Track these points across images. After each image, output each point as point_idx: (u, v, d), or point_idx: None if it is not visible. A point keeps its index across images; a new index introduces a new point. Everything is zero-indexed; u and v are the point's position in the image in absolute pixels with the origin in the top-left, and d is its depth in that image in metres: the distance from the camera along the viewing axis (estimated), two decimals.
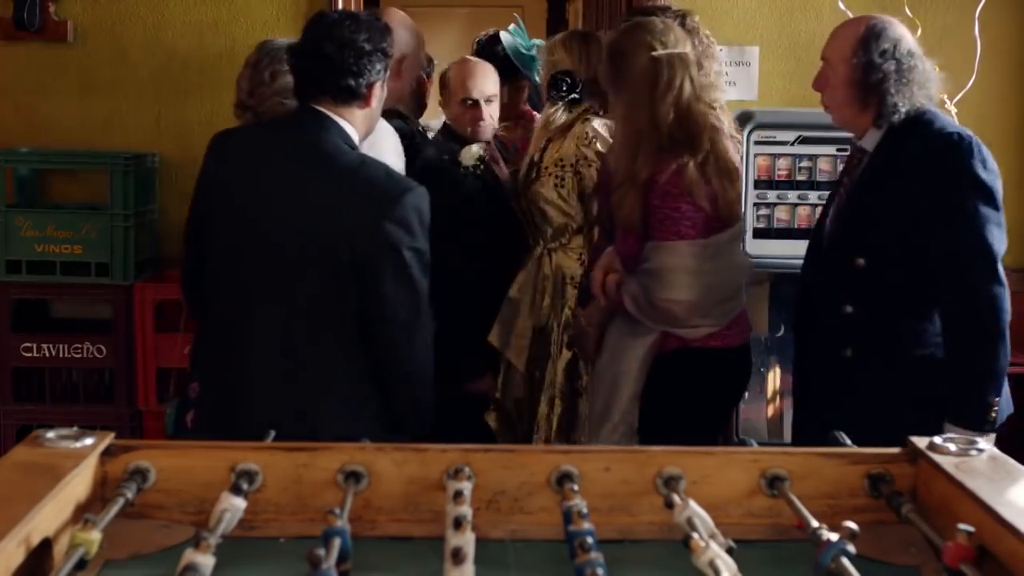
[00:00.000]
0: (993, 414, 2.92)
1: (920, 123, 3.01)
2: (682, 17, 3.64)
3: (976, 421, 2.90)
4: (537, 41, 4.80)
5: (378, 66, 2.84)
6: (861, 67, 3.01)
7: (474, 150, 4.05)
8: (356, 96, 2.83)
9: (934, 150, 2.96)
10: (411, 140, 4.27)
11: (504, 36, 4.79)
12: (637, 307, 3.19)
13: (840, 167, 4.21)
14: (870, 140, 3.08)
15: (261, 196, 2.81)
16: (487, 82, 4.15)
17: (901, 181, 2.98)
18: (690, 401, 3.25)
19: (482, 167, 4.05)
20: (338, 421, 2.71)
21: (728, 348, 3.31)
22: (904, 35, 3.05)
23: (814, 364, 3.19)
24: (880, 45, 3.00)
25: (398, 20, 3.78)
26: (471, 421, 3.96)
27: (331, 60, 2.81)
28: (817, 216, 4.27)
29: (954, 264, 2.93)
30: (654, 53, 3.15)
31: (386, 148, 3.40)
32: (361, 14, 2.97)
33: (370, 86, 2.84)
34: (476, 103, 4.11)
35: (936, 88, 3.08)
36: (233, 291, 2.86)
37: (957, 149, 2.94)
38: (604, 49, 3.35)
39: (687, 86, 3.15)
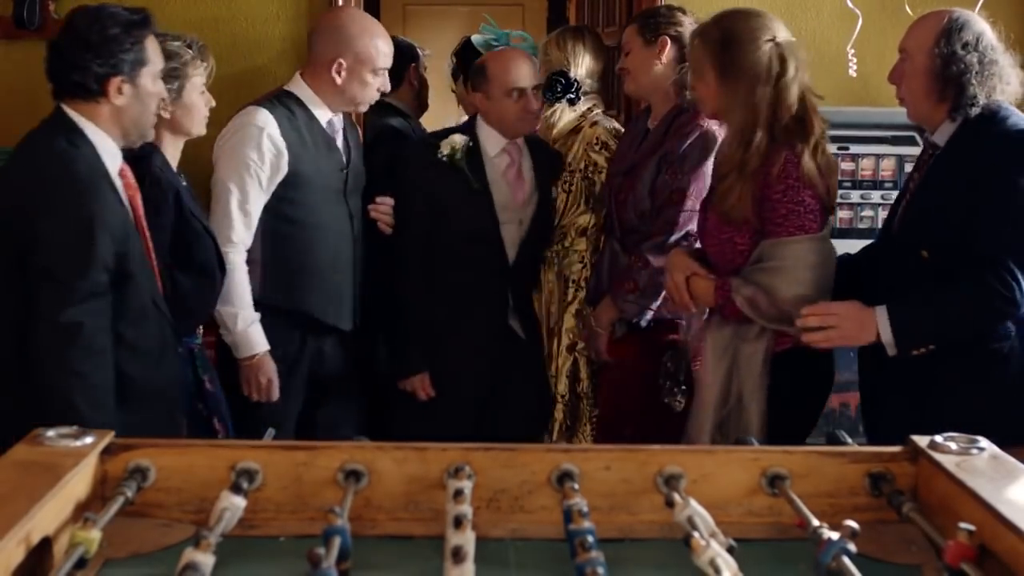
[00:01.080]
0: None
1: (996, 120, 2.96)
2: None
3: None
4: (513, 32, 4.63)
5: (112, 60, 2.77)
6: (942, 58, 2.96)
7: (456, 140, 3.78)
8: (88, 92, 2.79)
9: (1010, 147, 2.92)
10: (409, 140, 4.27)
11: (475, 38, 4.72)
12: (755, 309, 3.00)
13: (840, 166, 4.20)
14: (942, 135, 3.03)
15: None
16: (535, 69, 3.83)
17: (973, 176, 2.92)
18: (805, 399, 3.13)
19: (446, 158, 3.74)
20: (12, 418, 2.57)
21: None
22: (987, 29, 3.01)
23: (889, 362, 3.10)
24: (963, 37, 2.96)
25: (329, 22, 3.71)
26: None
27: (60, 55, 2.81)
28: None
29: None
30: (778, 39, 3.03)
31: (245, 144, 3.44)
32: (110, 6, 2.85)
33: (102, 80, 2.78)
34: (523, 92, 3.75)
35: (1016, 86, 3.01)
36: None
37: None
38: (710, 34, 3.11)
39: (803, 74, 3.05)
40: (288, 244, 3.58)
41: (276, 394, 3.54)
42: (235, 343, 3.48)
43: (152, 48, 2.88)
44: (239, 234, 3.47)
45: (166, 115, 3.17)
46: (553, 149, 3.96)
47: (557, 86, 3.90)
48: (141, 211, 2.95)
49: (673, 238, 3.52)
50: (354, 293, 3.72)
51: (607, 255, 3.75)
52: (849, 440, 2.08)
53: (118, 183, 2.86)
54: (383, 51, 3.67)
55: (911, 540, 1.84)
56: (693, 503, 1.76)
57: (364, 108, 3.82)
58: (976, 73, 2.93)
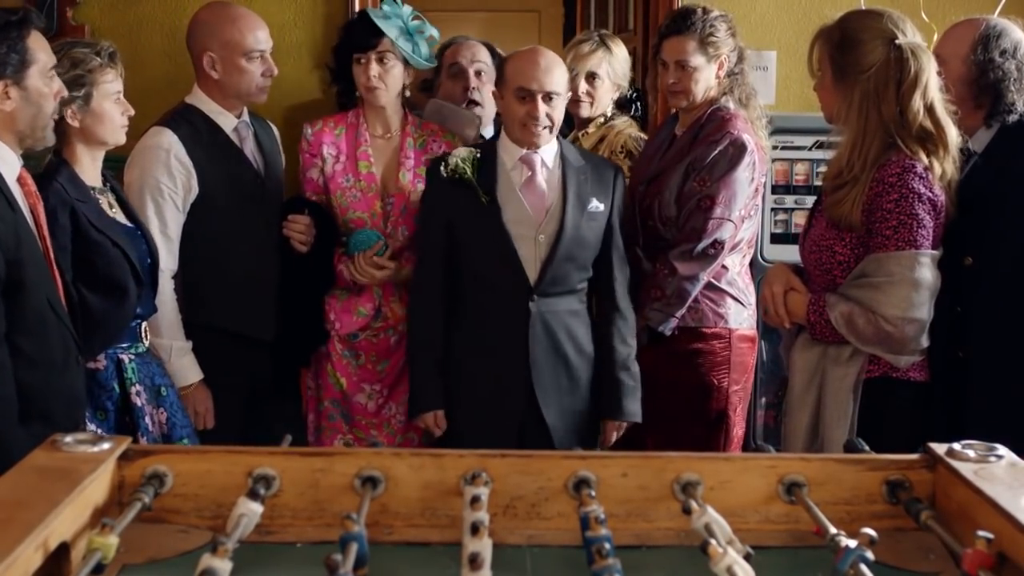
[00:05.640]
0: None
1: None
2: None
3: None
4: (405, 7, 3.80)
5: None
6: (978, 65, 2.96)
7: (461, 152, 3.47)
8: None
9: None
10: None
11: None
12: (851, 328, 2.87)
13: None
14: (979, 141, 3.02)
15: None
16: (552, 75, 3.38)
17: (1016, 181, 2.93)
18: (895, 432, 2.86)
19: (448, 173, 3.42)
20: None
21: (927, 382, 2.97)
22: (1023, 38, 3.02)
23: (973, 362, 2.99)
24: (1000, 44, 2.96)
25: (193, 21, 3.65)
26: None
27: None
28: None
29: None
30: (897, 41, 2.88)
31: (155, 169, 3.42)
32: None
33: None
34: (532, 96, 3.36)
35: None
36: None
37: None
38: (831, 35, 3.02)
39: (933, 82, 2.88)
40: (201, 261, 3.52)
41: (212, 422, 3.51)
42: (172, 373, 3.41)
43: (37, 45, 2.75)
44: (164, 261, 3.37)
45: (76, 124, 3.09)
46: (608, 162, 3.68)
47: (634, 108, 3.80)
48: (43, 218, 2.83)
49: (701, 245, 3.49)
50: (276, 302, 3.66)
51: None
52: (866, 448, 2.07)
53: (16, 190, 2.74)
54: (249, 34, 3.57)
55: (929, 548, 1.84)
56: (710, 510, 1.76)
57: (258, 98, 3.67)
58: (1014, 80, 2.93)
